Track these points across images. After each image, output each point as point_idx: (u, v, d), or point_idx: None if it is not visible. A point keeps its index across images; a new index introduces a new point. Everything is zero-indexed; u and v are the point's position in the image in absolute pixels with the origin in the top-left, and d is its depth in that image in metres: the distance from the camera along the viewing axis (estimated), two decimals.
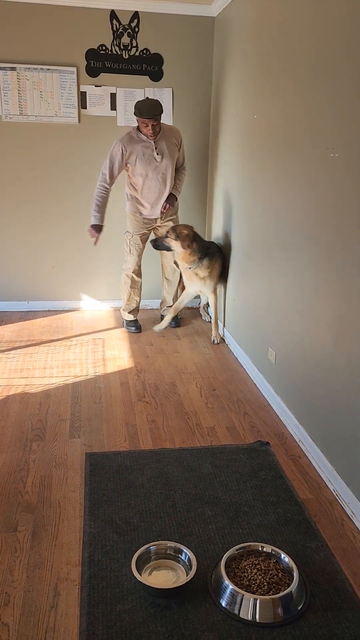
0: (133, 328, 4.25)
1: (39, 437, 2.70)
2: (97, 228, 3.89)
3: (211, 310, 4.13)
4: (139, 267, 4.20)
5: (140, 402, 3.11)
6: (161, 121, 3.75)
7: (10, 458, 2.52)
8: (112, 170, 3.81)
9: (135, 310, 4.31)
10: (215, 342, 4.04)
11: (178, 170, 4.02)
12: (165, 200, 3.96)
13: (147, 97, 3.97)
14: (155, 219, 4.05)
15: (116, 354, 3.81)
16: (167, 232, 3.88)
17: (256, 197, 3.36)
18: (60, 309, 4.74)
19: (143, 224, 4.05)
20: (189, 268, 3.91)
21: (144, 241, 4.12)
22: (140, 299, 4.31)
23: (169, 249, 3.91)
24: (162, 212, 4.00)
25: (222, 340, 4.08)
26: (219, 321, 4.19)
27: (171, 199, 3.99)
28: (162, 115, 3.69)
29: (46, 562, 1.91)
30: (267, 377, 3.20)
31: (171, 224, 4.06)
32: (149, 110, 3.58)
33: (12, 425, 2.81)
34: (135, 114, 3.64)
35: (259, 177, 3.31)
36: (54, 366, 3.58)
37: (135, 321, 4.30)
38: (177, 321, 4.39)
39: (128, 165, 3.82)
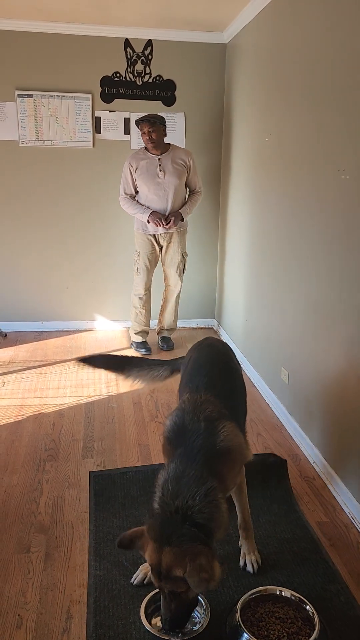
0: (143, 350, 4.23)
1: (52, 458, 2.71)
2: (157, 214, 3.86)
3: (239, 517, 2.02)
4: (148, 287, 4.19)
5: (153, 422, 3.11)
6: (173, 143, 3.94)
7: (23, 478, 2.53)
8: (127, 185, 3.97)
9: (143, 333, 4.28)
10: (250, 570, 1.97)
11: (191, 192, 4.09)
12: (170, 215, 3.92)
13: None
14: (159, 236, 4.03)
15: None
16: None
17: (268, 218, 3.39)
18: (74, 329, 4.78)
19: (149, 241, 4.05)
20: None
21: (152, 261, 4.12)
22: (148, 321, 4.28)
23: None
24: (165, 229, 3.93)
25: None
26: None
27: (176, 216, 3.93)
28: (163, 127, 3.82)
29: (59, 584, 1.90)
30: (280, 397, 3.19)
31: (176, 245, 4.06)
32: (145, 116, 3.79)
33: (25, 445, 2.82)
34: (136, 125, 3.87)
35: (270, 198, 3.34)
36: (68, 386, 3.59)
37: (144, 343, 4.28)
38: (169, 344, 4.33)
39: (135, 180, 3.94)
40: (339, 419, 2.43)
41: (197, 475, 1.59)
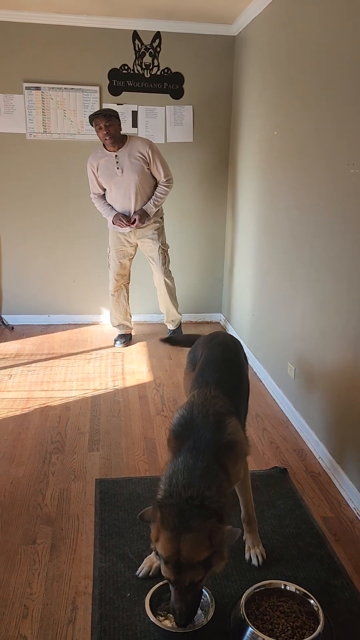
0: (117, 342, 4.25)
1: (59, 450, 2.72)
2: (118, 215, 3.84)
3: (243, 511, 2.04)
4: (121, 286, 4.15)
5: (158, 416, 3.12)
6: (130, 134, 3.82)
7: (30, 470, 2.54)
8: (93, 185, 3.93)
9: (121, 327, 4.28)
10: (255, 563, 1.97)
11: (157, 185, 3.90)
12: (134, 213, 3.83)
13: None
14: (130, 234, 3.95)
15: (135, 368, 3.83)
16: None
17: (275, 213, 3.38)
18: (80, 323, 4.79)
19: (119, 239, 3.99)
20: None
21: (123, 258, 4.05)
22: (125, 316, 4.26)
23: None
24: (132, 227, 3.87)
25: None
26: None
27: (141, 215, 3.81)
28: (118, 120, 3.68)
29: (64, 575, 1.91)
30: (286, 392, 3.18)
31: (151, 240, 3.97)
32: (98, 110, 3.68)
33: (32, 438, 2.83)
34: (90, 124, 3.72)
35: (278, 193, 3.32)
36: (74, 379, 3.61)
37: (120, 335, 4.28)
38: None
39: (99, 179, 3.87)
40: (345, 414, 2.42)
41: (209, 467, 1.61)
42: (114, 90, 4.29)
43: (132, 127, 4.36)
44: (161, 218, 4.06)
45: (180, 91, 4.37)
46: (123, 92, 4.31)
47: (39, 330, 4.60)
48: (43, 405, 3.20)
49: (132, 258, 4.14)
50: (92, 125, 3.73)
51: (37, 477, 2.48)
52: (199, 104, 4.41)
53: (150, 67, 4.28)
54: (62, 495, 2.36)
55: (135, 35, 4.20)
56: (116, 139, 3.71)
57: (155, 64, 4.28)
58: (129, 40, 4.21)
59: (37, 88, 4.20)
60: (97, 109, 4.28)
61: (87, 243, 4.60)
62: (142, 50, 4.24)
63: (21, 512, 2.24)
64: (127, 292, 4.25)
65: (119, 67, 4.25)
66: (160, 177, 3.87)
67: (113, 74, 4.26)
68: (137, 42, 4.21)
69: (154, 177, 3.89)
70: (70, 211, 4.51)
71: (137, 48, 4.23)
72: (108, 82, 4.27)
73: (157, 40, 4.23)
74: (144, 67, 4.27)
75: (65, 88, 4.22)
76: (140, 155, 3.76)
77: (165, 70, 4.31)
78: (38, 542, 2.06)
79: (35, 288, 4.66)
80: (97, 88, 4.26)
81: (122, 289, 4.20)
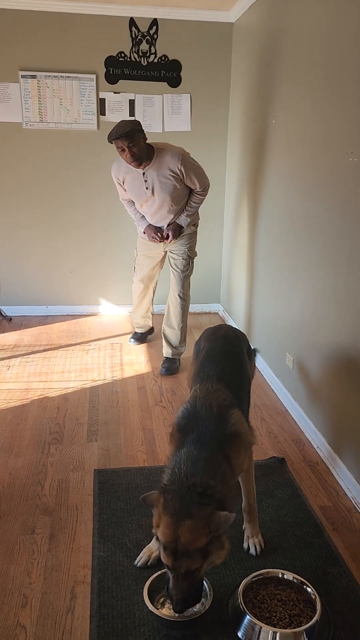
0: (131, 340, 4.11)
1: (57, 441, 2.73)
2: (151, 227, 3.50)
3: (244, 500, 2.04)
4: (149, 287, 3.90)
5: (157, 407, 3.12)
6: (156, 144, 3.25)
7: (28, 461, 2.55)
8: (121, 193, 3.55)
9: (139, 325, 4.10)
10: (253, 552, 1.99)
11: (191, 193, 3.42)
12: (167, 227, 3.47)
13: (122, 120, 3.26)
14: (160, 244, 3.60)
15: (133, 359, 3.83)
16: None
17: (274, 202, 3.36)
18: (78, 314, 4.78)
19: (148, 244, 3.65)
20: None
21: (151, 264, 3.74)
22: (146, 313, 4.03)
23: None
24: (164, 243, 3.55)
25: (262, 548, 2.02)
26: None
27: (174, 230, 3.46)
28: (141, 134, 3.10)
29: (63, 564, 1.92)
30: (285, 382, 3.18)
31: (181, 247, 3.55)
32: (117, 130, 3.03)
33: (30, 429, 2.84)
34: (108, 141, 3.13)
35: (276, 182, 3.30)
36: (72, 370, 3.60)
37: (135, 333, 4.13)
38: (171, 366, 3.63)
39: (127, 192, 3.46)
40: (342, 404, 2.43)
41: (212, 457, 1.63)
42: (111, 79, 4.25)
43: (130, 115, 4.32)
44: (194, 225, 3.60)
45: (178, 79, 4.32)
46: (120, 80, 4.26)
47: (37, 321, 4.60)
48: (41, 396, 3.21)
49: (162, 264, 3.81)
50: (110, 143, 3.14)
51: (36, 468, 2.49)
52: (196, 92, 4.37)
53: (147, 55, 4.23)
54: (61, 485, 2.36)
55: (132, 22, 4.15)
56: (142, 157, 3.15)
57: (152, 51, 4.23)
58: (126, 27, 4.15)
59: (33, 76, 4.16)
60: (93, 97, 4.24)
61: (85, 233, 4.58)
62: (139, 37, 4.19)
63: (20, 502, 2.25)
64: (153, 294, 3.97)
65: (115, 55, 4.21)
66: (196, 187, 3.37)
67: (110, 61, 4.21)
68: (133, 29, 4.16)
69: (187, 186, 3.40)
70: (68, 201, 4.48)
71: (133, 35, 4.18)
72: (105, 70, 4.22)
73: (154, 27, 4.18)
74: (140, 54, 4.23)
75: (61, 76, 4.18)
76: (172, 174, 3.22)
77: (163, 58, 4.26)
78: (37, 532, 2.07)
79: (33, 279, 4.65)
80: (94, 76, 4.22)
81: (149, 292, 3.94)
